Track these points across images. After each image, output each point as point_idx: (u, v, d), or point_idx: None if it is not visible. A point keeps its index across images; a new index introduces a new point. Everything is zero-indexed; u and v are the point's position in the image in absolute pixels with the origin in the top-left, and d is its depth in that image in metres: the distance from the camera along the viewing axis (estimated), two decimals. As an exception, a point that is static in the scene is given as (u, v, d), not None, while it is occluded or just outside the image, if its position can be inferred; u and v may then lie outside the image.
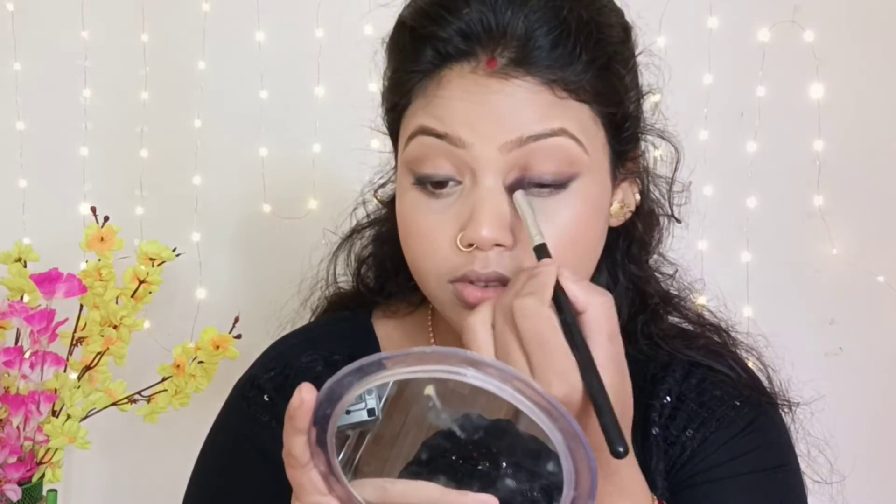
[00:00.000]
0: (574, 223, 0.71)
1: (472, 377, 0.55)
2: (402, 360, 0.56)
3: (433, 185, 0.72)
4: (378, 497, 0.59)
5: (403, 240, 0.75)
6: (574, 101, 0.70)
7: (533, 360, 0.61)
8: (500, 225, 0.69)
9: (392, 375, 0.56)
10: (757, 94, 1.36)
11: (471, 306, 0.71)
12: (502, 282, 0.70)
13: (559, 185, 0.71)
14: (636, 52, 0.79)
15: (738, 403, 0.81)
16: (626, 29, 0.77)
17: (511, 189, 0.70)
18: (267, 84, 1.42)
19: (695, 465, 0.79)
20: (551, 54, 0.69)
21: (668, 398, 0.82)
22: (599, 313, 0.62)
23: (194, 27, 1.41)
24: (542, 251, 0.67)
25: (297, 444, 0.59)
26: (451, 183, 0.72)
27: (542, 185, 0.70)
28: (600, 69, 0.71)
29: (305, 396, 0.57)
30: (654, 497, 0.70)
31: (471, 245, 0.70)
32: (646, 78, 0.82)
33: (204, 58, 1.42)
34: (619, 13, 0.77)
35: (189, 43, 1.41)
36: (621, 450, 0.57)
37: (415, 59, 0.72)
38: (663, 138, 0.84)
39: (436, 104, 0.71)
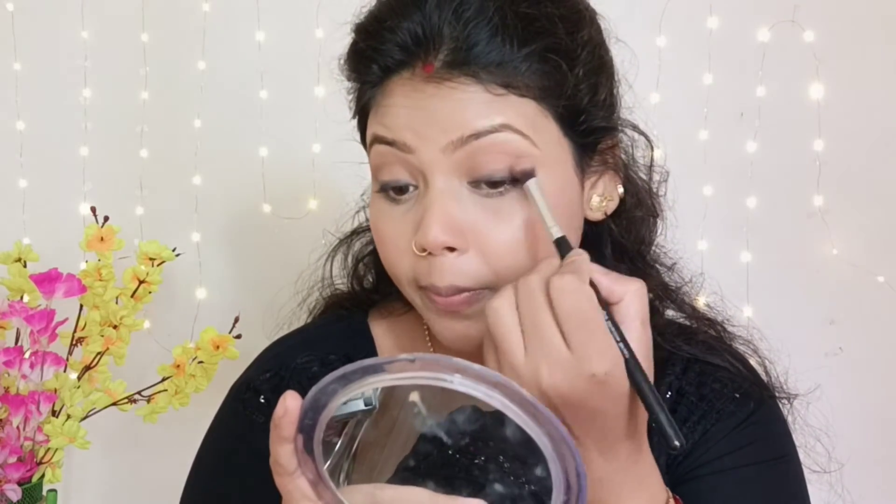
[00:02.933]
0: (529, 222, 0.71)
1: (458, 384, 0.55)
2: (386, 367, 0.56)
3: (394, 191, 0.74)
4: (367, 503, 0.59)
5: (377, 248, 0.77)
6: (515, 97, 0.71)
7: (572, 337, 0.61)
8: (448, 227, 0.70)
9: (376, 382, 0.56)
10: (757, 94, 1.36)
11: (441, 313, 0.73)
12: (461, 292, 0.71)
13: (512, 180, 0.71)
14: (596, 42, 0.78)
15: (737, 396, 0.82)
16: (575, 21, 0.75)
17: (523, 179, 0.70)
18: (267, 84, 1.42)
19: (695, 458, 0.79)
20: (484, 53, 0.70)
21: (669, 393, 0.82)
22: (634, 299, 0.63)
23: (194, 27, 1.41)
24: (563, 244, 0.68)
25: (283, 452, 0.59)
26: (410, 188, 0.73)
27: (495, 183, 0.71)
28: (539, 63, 0.71)
29: (289, 405, 0.58)
30: (669, 492, 0.70)
31: (424, 250, 0.71)
32: (621, 71, 0.81)
33: (204, 58, 1.42)
34: (568, 6, 0.76)
35: (189, 43, 1.41)
36: (678, 444, 0.58)
37: (363, 73, 0.75)
38: (635, 131, 0.84)
39: (383, 112, 0.73)
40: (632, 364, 0.61)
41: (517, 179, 0.71)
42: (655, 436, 0.80)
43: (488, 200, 0.71)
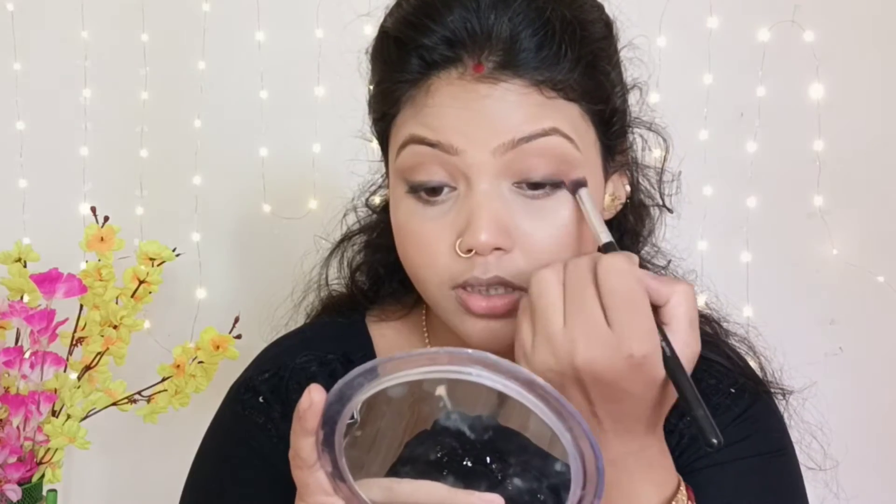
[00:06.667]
0: (571, 222, 0.71)
1: (476, 376, 0.55)
2: (411, 361, 0.56)
3: (427, 192, 0.72)
4: (384, 497, 0.59)
5: (401, 249, 0.75)
6: (563, 101, 0.71)
7: (614, 316, 0.61)
8: (497, 229, 0.69)
9: (403, 377, 0.56)
10: (757, 94, 1.36)
11: (475, 315, 0.72)
12: (505, 286, 0.71)
13: (555, 184, 0.71)
14: (619, 47, 0.79)
15: (733, 391, 0.82)
16: (607, 24, 0.77)
17: (574, 188, 0.71)
18: (267, 84, 1.42)
19: (693, 452, 0.79)
20: (538, 55, 0.69)
21: None
22: (682, 300, 0.63)
23: (194, 27, 1.41)
24: (611, 249, 0.68)
25: (304, 445, 0.59)
26: (445, 189, 0.72)
27: (536, 185, 0.71)
28: (587, 67, 0.71)
29: (315, 398, 0.58)
30: (680, 478, 0.70)
31: (470, 251, 0.70)
32: (632, 72, 0.82)
33: (204, 58, 1.42)
34: (599, 8, 0.77)
35: (189, 43, 1.41)
36: (715, 441, 0.58)
37: (401, 68, 0.72)
38: (651, 130, 0.85)
39: (426, 113, 0.71)
40: (672, 362, 0.61)
41: (558, 184, 0.71)
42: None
43: (531, 201, 0.71)
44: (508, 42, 0.69)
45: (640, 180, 0.85)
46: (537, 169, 0.70)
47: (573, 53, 0.70)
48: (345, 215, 0.95)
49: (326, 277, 0.95)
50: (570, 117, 0.71)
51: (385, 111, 0.75)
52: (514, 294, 0.71)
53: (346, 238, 0.94)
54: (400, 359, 0.56)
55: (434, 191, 0.72)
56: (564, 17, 0.70)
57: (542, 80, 0.69)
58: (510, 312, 0.71)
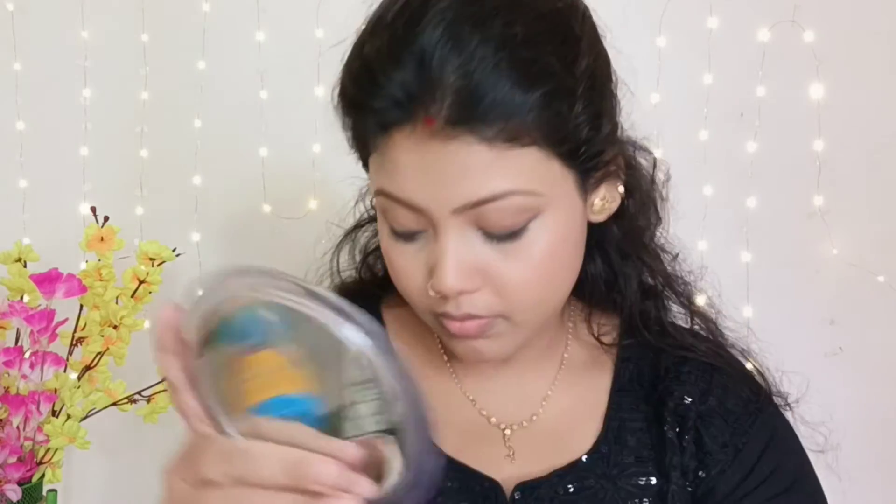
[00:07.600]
0: (545, 258, 0.72)
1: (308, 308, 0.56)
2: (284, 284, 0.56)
3: (403, 236, 0.74)
4: (249, 429, 0.56)
5: (390, 273, 0.78)
6: (519, 148, 0.68)
7: None
8: (463, 274, 0.71)
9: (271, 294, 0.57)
10: (757, 94, 1.36)
11: (454, 336, 0.75)
12: (476, 318, 0.73)
13: (518, 231, 0.71)
14: (593, 62, 0.73)
15: (758, 411, 0.84)
16: (572, 53, 0.71)
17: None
18: (267, 84, 1.42)
19: (727, 479, 0.81)
20: (489, 108, 0.67)
21: (688, 399, 0.83)
22: None
23: (194, 27, 1.41)
24: None
25: (169, 366, 0.58)
26: (420, 232, 0.73)
27: (501, 238, 0.71)
28: (541, 110, 0.68)
29: (167, 313, 0.57)
30: None
31: (440, 292, 0.72)
32: (621, 74, 0.80)
33: (204, 58, 1.42)
34: (562, 33, 0.71)
35: (189, 43, 1.41)
36: None
37: (360, 123, 0.73)
38: (636, 147, 0.84)
39: (388, 168, 0.71)
40: None
41: (521, 230, 0.71)
42: (668, 442, 0.81)
43: (500, 245, 0.71)
44: (454, 95, 0.67)
45: (636, 176, 0.85)
46: (500, 223, 0.70)
47: (524, 100, 0.67)
48: (356, 203, 0.96)
49: (338, 266, 0.96)
50: (528, 165, 0.69)
51: (359, 153, 0.77)
52: (486, 318, 0.74)
53: (359, 226, 0.95)
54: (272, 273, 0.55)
55: (410, 235, 0.74)
56: (512, 62, 0.67)
57: (493, 134, 0.67)
58: (483, 333, 0.74)
